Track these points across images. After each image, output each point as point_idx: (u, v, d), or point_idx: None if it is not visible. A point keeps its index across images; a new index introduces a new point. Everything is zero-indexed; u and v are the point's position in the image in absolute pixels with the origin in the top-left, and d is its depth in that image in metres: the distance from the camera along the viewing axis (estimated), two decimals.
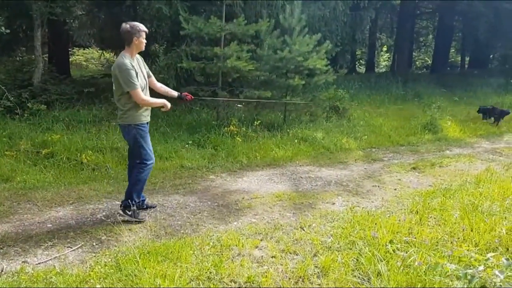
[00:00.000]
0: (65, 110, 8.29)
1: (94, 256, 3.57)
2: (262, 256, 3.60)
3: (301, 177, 6.32)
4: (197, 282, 3.14)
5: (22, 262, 3.44)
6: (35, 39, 8.63)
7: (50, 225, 4.23)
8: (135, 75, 4.03)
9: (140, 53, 4.37)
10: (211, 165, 6.70)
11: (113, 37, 13.62)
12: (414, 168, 6.96)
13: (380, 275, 3.12)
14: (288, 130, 8.42)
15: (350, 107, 10.41)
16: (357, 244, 3.69)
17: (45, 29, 9.60)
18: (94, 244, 3.84)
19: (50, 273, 3.23)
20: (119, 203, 4.93)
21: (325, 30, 10.07)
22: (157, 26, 9.25)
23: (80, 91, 9.15)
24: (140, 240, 3.88)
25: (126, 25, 4.09)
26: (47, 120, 7.63)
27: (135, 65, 4.13)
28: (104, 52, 15.87)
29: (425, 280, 2.96)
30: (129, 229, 4.14)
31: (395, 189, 5.83)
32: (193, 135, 7.86)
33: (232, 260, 3.50)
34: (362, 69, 28.18)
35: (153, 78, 4.53)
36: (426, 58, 32.85)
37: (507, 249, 3.42)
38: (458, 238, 3.72)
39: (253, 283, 3.15)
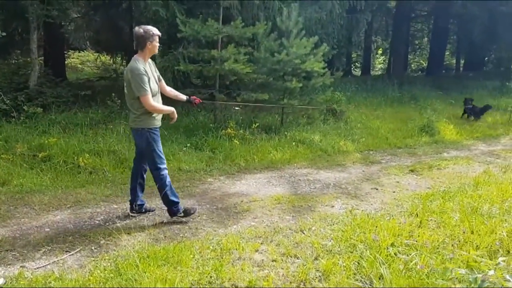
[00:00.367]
0: (62, 113, 8.24)
1: (93, 260, 3.54)
2: (262, 260, 3.58)
3: (299, 179, 6.31)
4: (198, 286, 3.12)
5: (21, 267, 3.41)
6: (31, 41, 8.57)
7: (48, 229, 4.19)
8: (147, 80, 4.02)
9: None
10: (209, 168, 6.67)
11: (109, 40, 13.63)
12: (412, 171, 6.96)
13: (382, 278, 3.11)
14: (285, 133, 8.41)
15: (347, 109, 10.41)
16: (358, 247, 3.68)
17: (41, 32, 9.53)
18: (93, 248, 3.80)
19: (49, 278, 3.19)
20: (117, 206, 4.93)
21: (321, 33, 10.06)
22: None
23: (76, 94, 9.10)
24: (139, 244, 3.85)
25: (139, 29, 4.07)
26: (44, 123, 7.57)
27: (148, 70, 4.12)
28: (100, 55, 15.79)
29: (428, 283, 2.95)
30: (128, 233, 4.11)
31: (393, 192, 5.82)
32: (190, 137, 7.82)
33: (232, 264, 3.48)
34: (357, 72, 28.26)
35: (163, 82, 4.53)
36: (421, 61, 32.98)
37: (508, 252, 3.42)
38: (459, 241, 3.71)
39: (254, 287, 3.13)
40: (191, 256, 3.56)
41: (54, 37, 11.34)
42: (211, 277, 3.23)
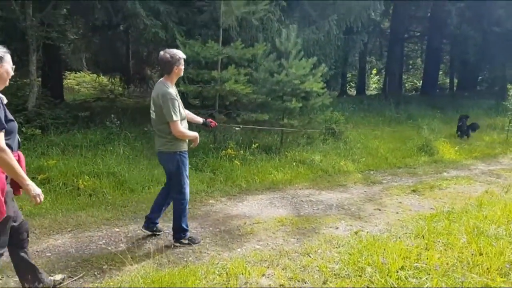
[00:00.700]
0: (60, 134, 8.18)
1: (97, 286, 3.45)
2: (270, 285, 3.51)
3: (301, 200, 6.26)
4: None
5: None
6: (30, 63, 8.56)
7: (49, 254, 4.10)
8: (177, 105, 4.06)
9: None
10: (210, 189, 6.61)
11: (107, 61, 13.71)
12: (414, 191, 6.93)
13: None
14: (286, 153, 8.39)
15: (346, 129, 10.43)
16: (367, 270, 3.61)
17: (39, 54, 9.55)
18: (96, 273, 3.72)
19: None
20: (118, 230, 4.85)
21: (319, 54, 10.15)
22: (153, 49, 9.27)
23: (75, 115, 9.06)
24: (143, 269, 3.76)
25: (165, 55, 4.07)
26: (42, 145, 7.50)
27: (177, 95, 4.15)
28: (98, 76, 15.82)
29: None
30: (131, 258, 4.02)
31: (397, 213, 5.78)
32: (190, 158, 7.69)
33: None
34: (352, 92, 28.44)
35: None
36: (415, 81, 33.31)
37: None
38: (468, 264, 3.65)
39: None
40: (197, 282, 3.48)
41: (53, 59, 11.35)
42: None
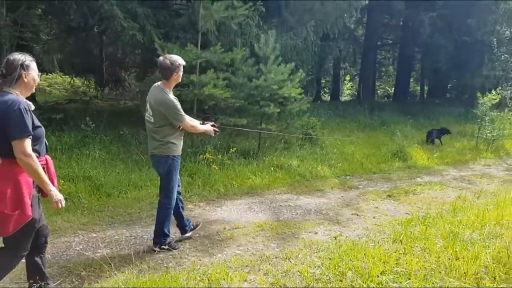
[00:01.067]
0: None
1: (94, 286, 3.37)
2: None
3: (280, 205, 6.28)
4: None
5: None
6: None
7: (24, 260, 3.96)
8: (180, 107, 4.12)
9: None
10: (188, 194, 6.55)
11: (80, 63, 13.41)
12: (389, 196, 7.06)
13: None
14: (263, 158, 8.41)
15: (322, 134, 10.55)
16: (347, 275, 3.65)
17: None
18: (74, 280, 3.63)
19: None
20: (96, 235, 4.75)
21: (296, 59, 10.23)
22: (130, 52, 9.15)
23: (48, 118, 8.81)
24: (123, 275, 3.69)
25: (165, 60, 4.09)
26: None
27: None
28: (71, 78, 15.46)
29: None
30: (109, 263, 3.93)
31: (374, 217, 5.88)
32: None
33: None
34: (326, 97, 28.77)
35: None
36: (387, 88, 33.99)
37: (494, 278, 3.47)
38: (446, 268, 3.73)
39: None
40: None
41: None
42: None
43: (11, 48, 8.14)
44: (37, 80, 2.97)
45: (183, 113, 4.16)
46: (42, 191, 2.94)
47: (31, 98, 3.12)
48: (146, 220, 5.41)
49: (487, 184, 8.17)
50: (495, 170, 9.75)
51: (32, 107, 2.89)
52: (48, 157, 3.04)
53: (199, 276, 3.72)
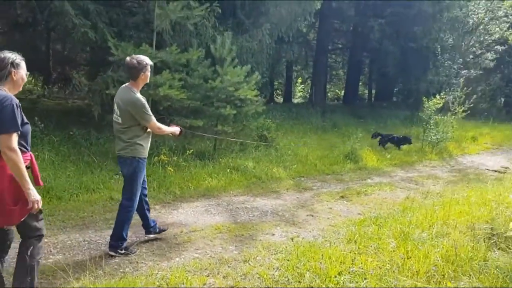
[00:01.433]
0: None
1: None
2: None
3: (237, 207, 6.29)
4: None
5: None
6: None
7: None
8: (148, 107, 4.12)
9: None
10: None
11: (28, 60, 12.77)
12: (342, 197, 7.25)
13: None
14: (219, 159, 8.39)
15: (277, 136, 10.67)
16: (306, 276, 3.73)
17: None
18: None
19: None
20: (47, 240, 4.55)
21: (252, 62, 10.29)
22: (81, 50, 8.84)
23: None
24: (77, 282, 3.57)
25: (132, 60, 4.09)
26: None
27: None
28: None
29: None
30: (63, 270, 3.79)
31: (328, 218, 6.02)
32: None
33: None
34: (279, 99, 29.12)
35: None
36: (337, 91, 34.92)
37: (444, 276, 3.65)
38: (399, 267, 3.89)
39: None
40: None
41: None
42: None
43: None
44: (25, 79, 3.06)
45: (151, 113, 4.16)
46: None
47: None
48: (99, 224, 5.25)
49: (432, 185, 8.58)
50: (440, 171, 10.26)
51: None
52: (31, 153, 3.11)
53: (158, 281, 3.67)
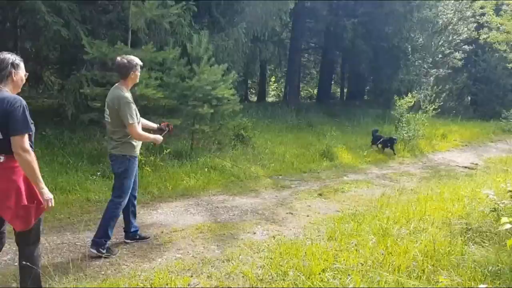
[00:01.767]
0: None
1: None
2: None
3: (217, 207, 6.28)
4: None
5: None
6: None
7: None
8: (133, 108, 4.11)
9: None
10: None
11: None
12: (320, 195, 7.33)
13: None
14: (197, 159, 8.34)
15: (253, 135, 10.68)
16: (289, 274, 3.75)
17: None
18: None
19: None
20: None
21: (228, 60, 10.25)
22: (53, 49, 8.63)
23: None
24: (58, 285, 3.50)
25: (122, 60, 4.18)
26: None
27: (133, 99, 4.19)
28: None
29: None
30: (43, 272, 3.69)
31: (307, 216, 6.07)
32: (96, 165, 7.37)
33: None
34: (253, 98, 29.19)
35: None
36: (310, 89, 35.24)
37: (423, 271, 3.74)
38: (380, 263, 3.97)
39: None
40: None
41: None
42: None
43: None
44: (24, 80, 3.10)
45: (134, 116, 4.15)
46: None
47: None
48: (77, 225, 5.14)
49: (407, 181, 8.77)
50: (413, 168, 10.51)
51: None
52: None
53: (142, 282, 3.63)
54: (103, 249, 4.23)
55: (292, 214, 6.14)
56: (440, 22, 19.74)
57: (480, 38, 19.07)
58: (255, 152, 9.78)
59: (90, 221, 5.31)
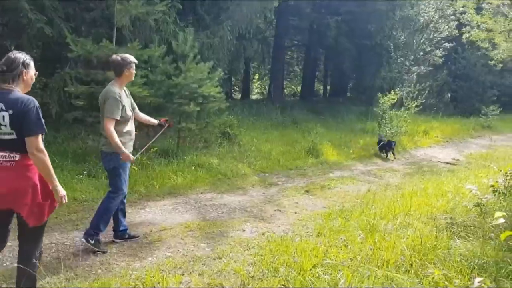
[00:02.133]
0: None
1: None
2: None
3: (205, 205, 6.29)
4: None
5: None
6: None
7: None
8: (119, 106, 4.08)
9: None
10: None
11: None
12: (307, 191, 7.40)
13: None
14: (184, 157, 8.32)
15: (239, 133, 10.71)
16: (280, 270, 3.79)
17: None
18: None
19: None
20: (11, 244, 4.36)
21: (213, 58, 10.24)
22: (36, 47, 8.50)
23: None
24: (49, 285, 3.47)
25: (116, 57, 4.20)
26: None
27: (123, 96, 4.20)
28: None
29: None
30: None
31: (295, 213, 6.13)
32: (81, 164, 7.30)
33: None
34: (237, 96, 29.16)
35: (137, 109, 4.63)
36: (293, 87, 35.38)
37: (411, 265, 3.82)
38: (369, 258, 4.04)
39: None
40: None
41: None
42: None
43: None
44: (34, 79, 3.11)
45: (115, 112, 4.09)
46: None
47: None
48: (65, 225, 5.11)
49: (391, 177, 8.92)
50: (396, 164, 10.67)
51: None
52: None
53: (133, 281, 3.63)
54: (92, 240, 4.25)
55: (280, 211, 6.19)
56: (422, 20, 20.01)
57: (463, 36, 19.39)
58: (241, 150, 9.82)
59: (77, 221, 5.28)
